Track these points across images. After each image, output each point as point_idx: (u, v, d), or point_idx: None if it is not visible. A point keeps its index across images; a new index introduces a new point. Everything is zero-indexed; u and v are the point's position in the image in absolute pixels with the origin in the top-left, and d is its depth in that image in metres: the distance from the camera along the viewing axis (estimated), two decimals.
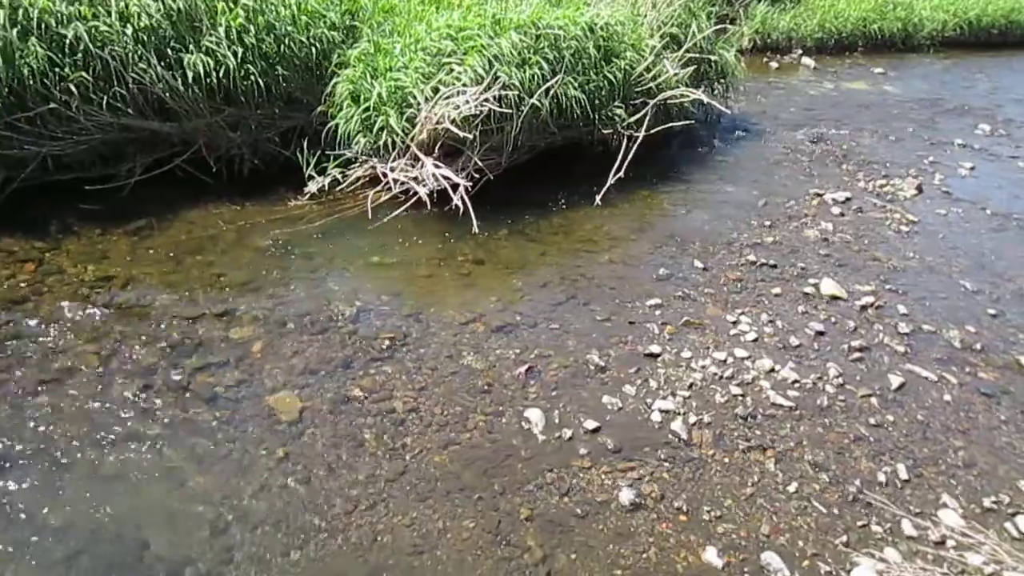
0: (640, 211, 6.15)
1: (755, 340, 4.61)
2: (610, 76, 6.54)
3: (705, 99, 7.22)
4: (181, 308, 4.48)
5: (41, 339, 4.17)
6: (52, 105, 5.15)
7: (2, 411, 3.71)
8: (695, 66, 7.36)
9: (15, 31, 5.02)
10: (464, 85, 5.64)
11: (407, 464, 3.58)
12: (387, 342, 4.34)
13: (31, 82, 5.07)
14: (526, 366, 4.22)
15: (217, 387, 3.93)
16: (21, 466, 3.43)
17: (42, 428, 3.63)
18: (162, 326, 4.32)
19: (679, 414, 3.98)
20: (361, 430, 3.73)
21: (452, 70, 5.76)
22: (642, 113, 6.67)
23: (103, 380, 3.94)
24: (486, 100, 5.56)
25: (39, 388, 3.87)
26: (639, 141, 6.49)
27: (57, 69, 5.15)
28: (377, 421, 3.80)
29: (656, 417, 3.95)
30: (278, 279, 4.83)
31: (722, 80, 8.07)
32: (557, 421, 3.88)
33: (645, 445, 3.78)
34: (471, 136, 5.61)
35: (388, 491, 3.43)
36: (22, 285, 4.58)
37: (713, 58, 7.77)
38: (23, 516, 3.22)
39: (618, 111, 6.63)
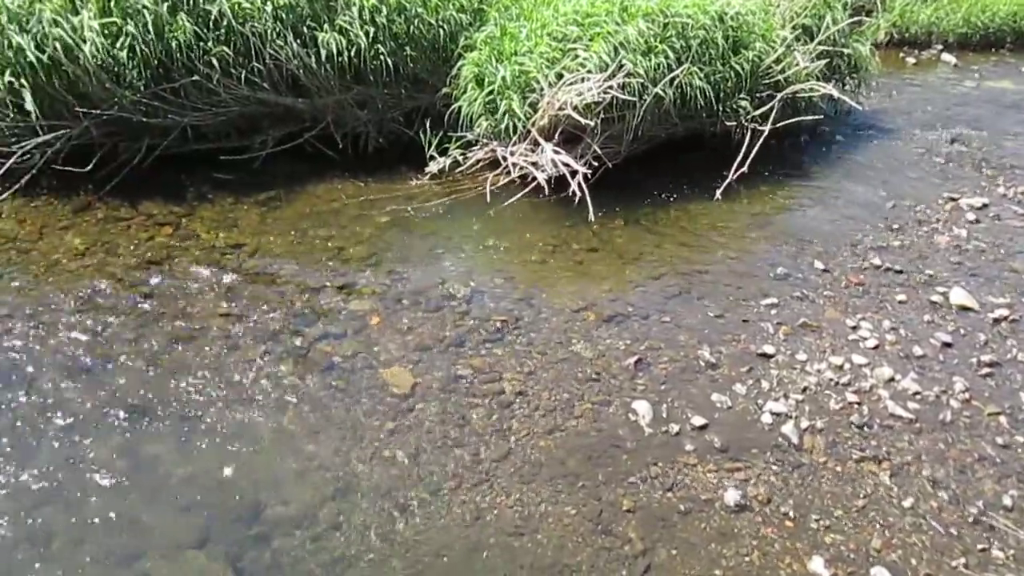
0: (760, 207, 6.00)
1: (875, 347, 4.44)
2: (737, 67, 6.38)
3: (835, 94, 6.96)
4: (304, 278, 4.65)
5: (175, 299, 4.42)
6: (195, 78, 5.41)
7: (138, 365, 3.96)
8: (827, 59, 7.11)
9: (165, 6, 5.29)
10: (588, 72, 5.62)
11: (512, 446, 3.63)
12: (498, 324, 4.39)
13: (178, 55, 5.34)
14: (636, 357, 4.20)
15: (335, 356, 4.08)
16: (153, 418, 3.66)
17: (172, 384, 3.85)
18: (286, 294, 4.50)
19: (791, 417, 3.88)
20: (469, 409, 3.81)
21: (577, 56, 5.74)
22: (768, 106, 6.49)
23: (230, 342, 4.14)
24: (610, 88, 5.53)
25: (172, 346, 4.10)
26: (764, 135, 6.32)
27: (201, 43, 5.40)
28: (485, 402, 3.86)
29: (767, 419, 3.87)
30: (396, 255, 4.95)
31: (854, 75, 7.75)
32: (664, 415, 3.85)
33: (753, 446, 3.71)
34: (592, 123, 5.59)
35: (493, 471, 3.49)
36: (160, 247, 4.86)
37: (846, 51, 7.48)
38: (155, 465, 3.43)
39: (743, 103, 6.47)
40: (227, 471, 3.43)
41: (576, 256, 5.13)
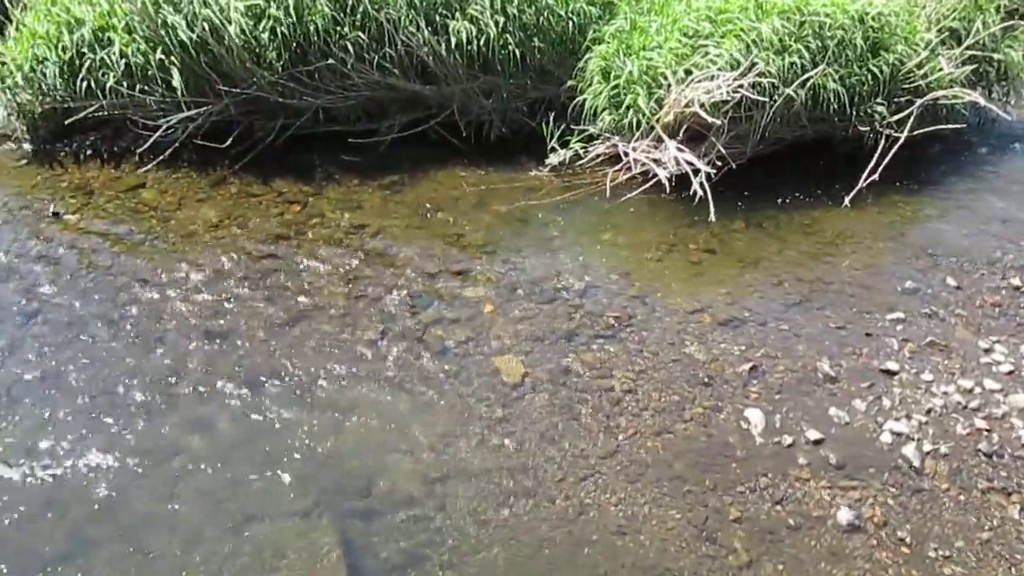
0: (891, 217, 5.74)
1: (1010, 372, 4.19)
2: (875, 70, 6.11)
3: (982, 101, 6.59)
4: (422, 262, 4.75)
5: (299, 275, 4.59)
6: (330, 61, 5.58)
7: (261, 335, 4.13)
8: (974, 65, 6.73)
9: None
10: (718, 69, 5.50)
11: (620, 444, 3.60)
12: (612, 320, 4.37)
13: (315, 39, 5.51)
14: (750, 364, 4.10)
15: (448, 341, 4.14)
16: (271, 387, 3.81)
17: (292, 356, 4.00)
18: (404, 277, 4.60)
19: (913, 439, 3.72)
20: (578, 403, 3.80)
21: (707, 53, 5.63)
22: (906, 112, 6.20)
23: (348, 320, 4.27)
24: (739, 87, 5.40)
25: (293, 318, 4.26)
26: (899, 142, 6.04)
27: (338, 28, 5.56)
28: (594, 397, 3.85)
29: (886, 439, 3.71)
30: (513, 245, 4.99)
31: (1003, 82, 7.32)
32: (778, 426, 3.75)
33: (871, 466, 3.57)
34: (719, 122, 5.48)
35: (598, 468, 3.48)
36: (288, 224, 5.05)
37: (996, 57, 7.07)
38: (270, 433, 3.58)
39: (879, 108, 6.19)
40: (339, 444, 3.55)
41: (693, 256, 5.04)
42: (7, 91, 5.68)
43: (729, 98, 5.41)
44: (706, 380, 4.00)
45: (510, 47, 5.90)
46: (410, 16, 5.69)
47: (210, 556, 3.04)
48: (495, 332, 4.22)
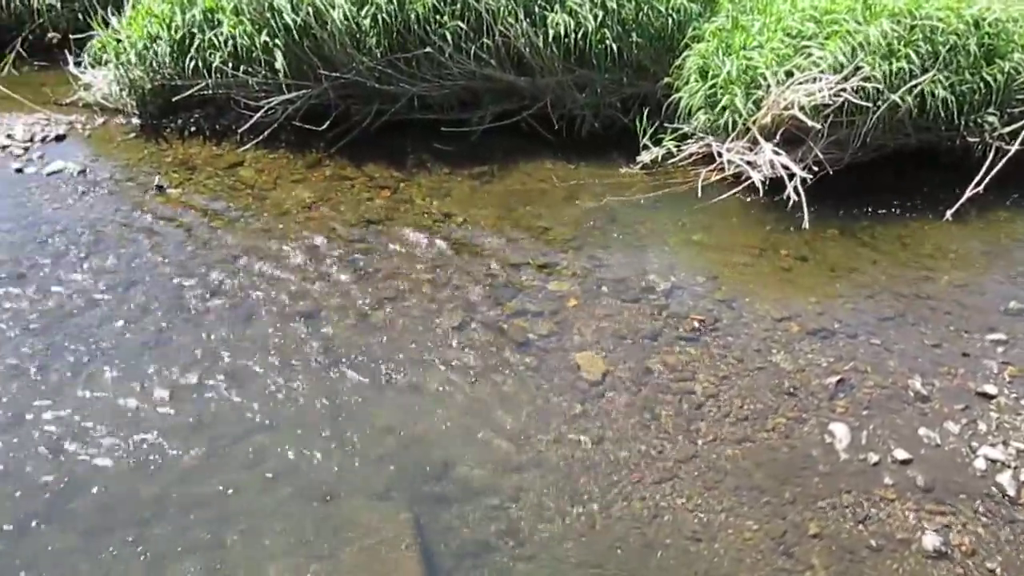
0: (996, 234, 5.50)
1: None
2: (988, 78, 5.86)
3: None
4: (508, 253, 4.76)
5: (386, 259, 4.67)
6: (428, 50, 5.64)
7: (347, 317, 4.22)
8: None
9: None
10: (821, 72, 5.35)
11: (698, 449, 3.55)
12: (696, 323, 4.31)
13: (415, 26, 5.58)
14: (838, 377, 3.99)
15: (530, 334, 4.15)
16: (355, 368, 3.89)
17: (376, 338, 4.08)
18: (490, 267, 4.63)
19: (1009, 467, 3.56)
20: (658, 405, 3.77)
21: (810, 54, 5.48)
22: (1020, 124, 5.93)
23: (433, 306, 4.32)
24: (842, 90, 5.24)
25: (379, 301, 4.34)
26: (1008, 155, 5.78)
27: (438, 16, 5.62)
28: (675, 400, 3.81)
29: (980, 464, 3.56)
30: (599, 241, 4.96)
31: None
32: (864, 442, 3.64)
33: (961, 491, 3.43)
34: (818, 126, 5.33)
35: (675, 471, 3.44)
36: (378, 209, 5.14)
37: None
38: (352, 413, 3.65)
39: (990, 118, 5.93)
40: (418, 429, 3.60)
41: (784, 263, 4.93)
42: (121, 67, 5.92)
43: (831, 102, 5.26)
44: (791, 390, 3.91)
45: (607, 41, 5.85)
46: (509, 7, 5.71)
47: (289, 528, 3.12)
48: (577, 328, 4.21)
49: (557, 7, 5.78)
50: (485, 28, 5.68)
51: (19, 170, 5.53)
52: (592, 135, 6.16)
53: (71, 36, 6.74)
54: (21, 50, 6.99)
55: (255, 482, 3.31)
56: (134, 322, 4.12)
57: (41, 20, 7.14)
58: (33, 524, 3.08)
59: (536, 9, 5.81)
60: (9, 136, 5.90)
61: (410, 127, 5.94)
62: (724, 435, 3.63)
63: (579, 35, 5.76)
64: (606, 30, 5.85)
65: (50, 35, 7.15)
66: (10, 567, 2.93)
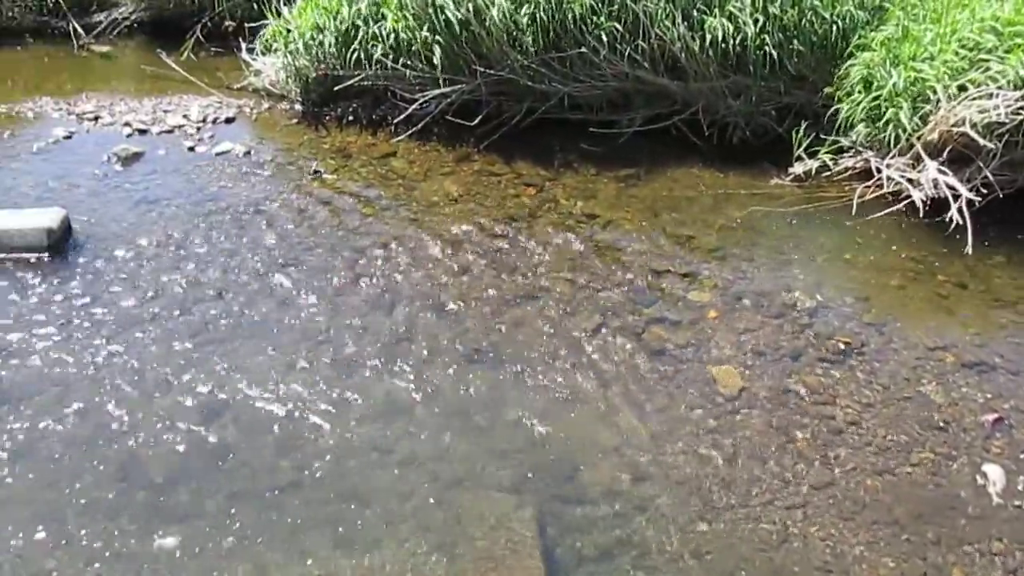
0: None
1: None
2: None
3: None
4: (650, 259, 4.72)
5: (528, 257, 4.71)
6: (582, 50, 5.66)
7: (485, 311, 4.29)
8: None
9: None
10: (999, 87, 5.02)
11: (835, 477, 3.42)
12: (841, 345, 4.14)
13: (571, 26, 5.61)
14: (995, 415, 3.75)
15: (667, 342, 4.11)
16: (489, 363, 3.95)
17: (512, 335, 4.13)
18: (630, 272, 4.60)
19: None
20: (795, 427, 3.65)
21: (988, 68, 5.15)
22: None
23: (571, 307, 4.34)
24: (1022, 108, 4.90)
25: (518, 298, 4.39)
26: None
27: (594, 17, 5.62)
28: (813, 423, 3.68)
29: None
30: (744, 253, 4.85)
31: None
32: (1021, 488, 3.41)
33: None
34: (990, 145, 5.01)
35: (809, 498, 3.33)
36: (522, 206, 5.20)
37: None
38: (483, 407, 3.71)
39: None
40: (547, 428, 3.62)
41: (941, 288, 4.66)
42: (289, 56, 6.23)
43: (1007, 120, 4.93)
44: (941, 425, 3.70)
45: (766, 48, 5.70)
46: (667, 10, 5.65)
47: (415, 512, 3.20)
48: (716, 340, 4.13)
49: (716, 11, 5.68)
50: (641, 30, 5.64)
51: (191, 148, 5.92)
52: (743, 143, 6.02)
53: (245, 24, 7.16)
54: (200, 36, 7.46)
55: (388, 464, 3.42)
56: (284, 300, 4.34)
57: (219, 9, 7.61)
58: (181, 482, 3.30)
59: (694, 13, 5.72)
60: (185, 116, 6.33)
61: (559, 126, 5.98)
62: (864, 465, 3.48)
63: (737, 40, 5.63)
64: (766, 36, 5.70)
65: (226, 23, 7.61)
66: (157, 519, 3.14)
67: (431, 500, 3.27)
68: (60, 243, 4.72)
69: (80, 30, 7.76)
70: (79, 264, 4.57)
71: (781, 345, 4.12)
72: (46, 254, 4.63)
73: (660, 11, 5.61)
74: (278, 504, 3.23)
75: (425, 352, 4.00)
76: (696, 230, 5.03)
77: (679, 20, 5.63)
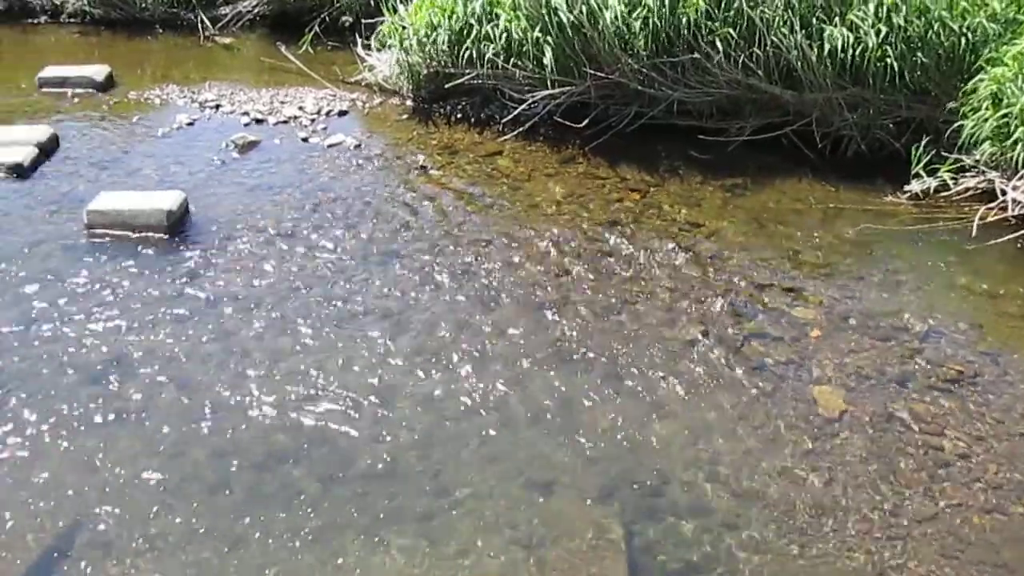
0: None
1: None
2: None
3: None
4: (753, 272, 4.63)
5: (628, 263, 4.69)
6: (695, 56, 5.58)
7: (584, 314, 4.28)
8: None
9: None
10: None
11: (940, 511, 3.28)
12: (952, 373, 3.97)
13: (684, 31, 5.54)
14: None
15: (767, 358, 4.02)
16: (585, 367, 3.95)
17: (609, 340, 4.11)
18: (733, 284, 4.52)
19: None
20: (899, 455, 3.51)
21: None
22: None
23: (669, 315, 4.29)
24: None
25: (617, 304, 4.37)
26: None
27: (709, 23, 5.54)
28: (918, 453, 3.53)
29: None
30: (852, 271, 4.69)
31: None
32: None
33: None
34: None
35: (910, 530, 3.20)
36: (625, 211, 5.18)
37: None
38: (577, 411, 3.71)
39: None
40: (640, 437, 3.59)
41: None
42: (403, 52, 6.35)
43: None
44: None
45: (888, 60, 5.50)
46: (785, 17, 5.52)
47: (503, 511, 3.23)
48: (819, 360, 4.01)
49: (837, 20, 5.51)
50: (757, 37, 5.52)
51: (304, 139, 6.11)
52: (857, 157, 5.82)
53: (362, 20, 7.34)
54: (318, 31, 7.68)
55: (478, 462, 3.46)
56: (386, 290, 4.44)
57: (338, 4, 7.81)
58: (277, 462, 3.42)
59: (813, 21, 5.57)
60: (300, 108, 6.53)
61: (666, 132, 5.91)
62: (972, 501, 3.32)
63: (857, 51, 5.45)
64: (888, 48, 5.50)
65: (344, 18, 7.81)
66: (251, 497, 3.27)
67: (518, 499, 3.29)
68: (178, 224, 4.95)
69: (207, 22, 8.11)
70: (195, 245, 4.79)
71: (887, 369, 3.98)
72: (165, 234, 4.86)
73: (778, 18, 5.48)
74: (367, 491, 3.31)
75: (521, 351, 4.03)
76: (803, 244, 4.90)
77: (797, 28, 5.49)
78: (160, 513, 3.18)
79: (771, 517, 3.24)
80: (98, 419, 3.59)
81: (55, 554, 3.03)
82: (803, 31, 5.52)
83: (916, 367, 4.00)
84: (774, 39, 5.50)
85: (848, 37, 5.45)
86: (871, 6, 5.47)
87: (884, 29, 5.47)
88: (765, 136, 5.84)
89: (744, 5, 5.49)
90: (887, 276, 4.68)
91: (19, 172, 5.55)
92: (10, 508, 3.18)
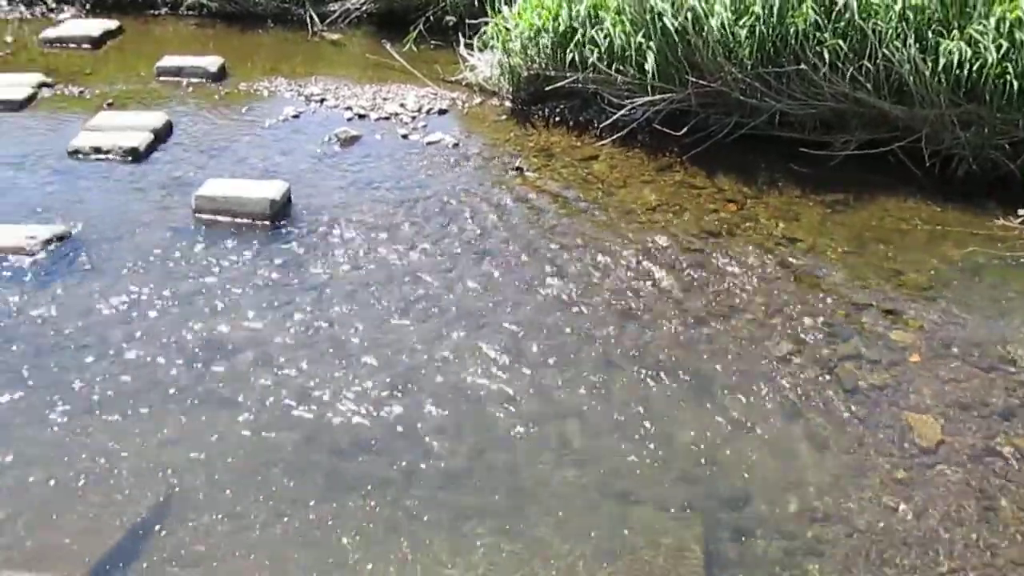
0: None
1: None
2: None
3: None
4: (850, 291, 4.50)
5: (720, 275, 4.62)
6: (801, 67, 5.45)
7: (672, 324, 4.24)
8: None
9: None
10: None
11: None
12: None
13: (791, 41, 5.42)
14: None
15: (861, 381, 3.90)
16: (672, 378, 3.91)
17: (697, 352, 4.07)
18: (829, 302, 4.41)
19: None
20: (998, 492, 3.37)
21: None
22: None
23: (761, 331, 4.22)
24: None
25: (707, 316, 4.32)
26: None
27: (818, 34, 5.40)
28: (1020, 492, 3.38)
29: None
30: (957, 296, 4.51)
31: None
32: None
33: None
34: None
35: (1007, 572, 3.07)
36: (721, 222, 5.10)
37: None
38: (662, 423, 3.68)
39: None
40: (724, 452, 3.54)
41: None
42: (504, 53, 6.41)
43: None
44: None
45: (1008, 77, 5.26)
46: (899, 29, 5.33)
47: (581, 516, 3.24)
48: (916, 386, 3.88)
49: (955, 34, 5.30)
50: (868, 50, 5.36)
51: (404, 136, 6.22)
52: (968, 177, 5.58)
53: (466, 20, 7.41)
54: (423, 30, 7.80)
55: (558, 465, 3.47)
56: (477, 289, 4.48)
57: (443, 3, 7.92)
58: (363, 451, 3.51)
59: (929, 34, 5.37)
60: (402, 105, 6.65)
61: (766, 143, 5.79)
62: None
63: (975, 67, 5.24)
64: (1008, 64, 5.25)
65: (448, 18, 7.90)
66: (336, 483, 3.36)
67: (597, 506, 3.29)
68: (281, 214, 5.11)
69: (315, 18, 8.32)
70: (295, 235, 4.94)
71: (990, 401, 3.81)
72: (268, 222, 5.03)
73: (891, 31, 5.31)
74: (450, 486, 3.36)
75: (608, 359, 4.02)
76: (905, 266, 4.73)
77: (911, 41, 5.30)
78: (244, 493, 3.30)
79: (857, 546, 3.16)
80: (190, 398, 3.75)
81: (144, 525, 3.17)
82: (917, 44, 5.33)
83: (1021, 401, 3.82)
84: (886, 52, 5.33)
85: (966, 52, 5.24)
86: (992, 20, 5.24)
87: (1006, 44, 5.24)
88: (870, 152, 5.66)
89: (856, 16, 5.33)
90: (994, 304, 4.48)
91: (135, 156, 5.81)
92: (103, 479, 3.35)
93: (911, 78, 5.36)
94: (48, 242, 4.74)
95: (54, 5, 8.99)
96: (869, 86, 5.47)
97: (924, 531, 3.20)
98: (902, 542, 3.16)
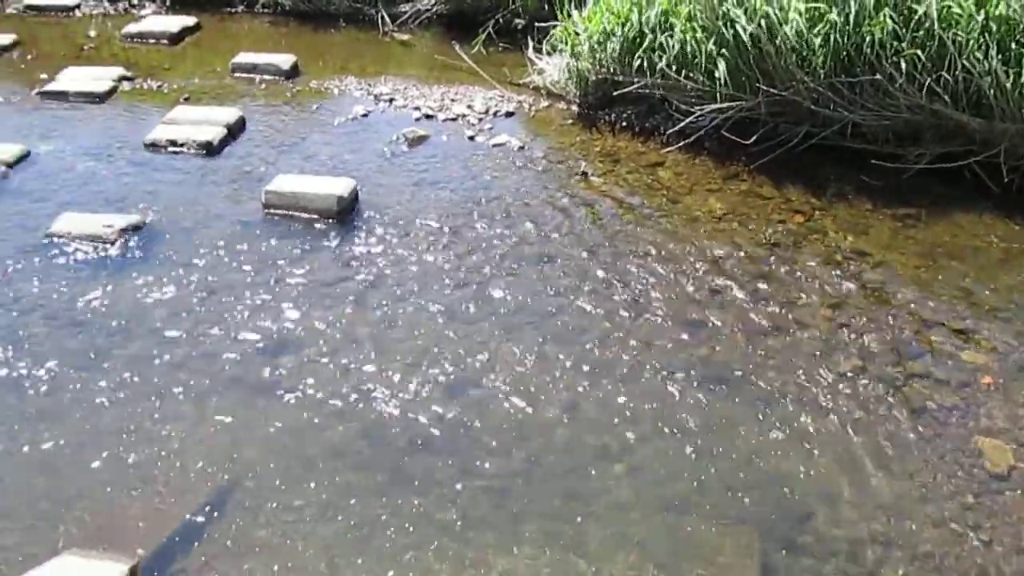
0: None
1: None
2: None
3: None
4: (920, 309, 4.39)
5: (786, 287, 4.55)
6: (876, 76, 5.33)
7: (734, 334, 4.19)
8: None
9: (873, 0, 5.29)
10: None
11: None
12: None
13: (867, 50, 5.31)
14: None
15: (930, 401, 3.81)
16: (735, 390, 3.87)
17: (760, 366, 4.01)
18: (897, 319, 4.31)
19: None
20: None
21: None
22: None
23: (825, 346, 4.14)
24: None
25: (771, 328, 4.25)
26: None
27: (895, 43, 5.28)
28: None
29: None
30: None
31: None
32: None
33: None
34: None
35: None
36: (787, 233, 5.02)
37: None
38: (725, 434, 3.64)
39: None
40: (784, 467, 3.49)
41: None
42: (573, 57, 6.41)
43: None
44: None
45: None
46: (980, 40, 5.19)
47: (633, 525, 3.23)
48: (988, 409, 3.77)
49: None
50: (947, 61, 5.22)
51: (471, 138, 6.26)
52: None
53: (535, 23, 7.44)
54: (491, 32, 7.85)
55: (614, 474, 3.46)
56: (538, 291, 4.49)
57: (512, 6, 7.95)
58: (418, 451, 3.54)
59: (1012, 46, 5.21)
60: (469, 107, 6.70)
61: (836, 154, 5.68)
62: None
63: None
64: None
65: (516, 21, 7.94)
66: (391, 483, 3.40)
67: (652, 517, 3.27)
68: (347, 211, 5.19)
69: (387, 18, 8.42)
70: (361, 232, 5.01)
71: None
72: (334, 219, 5.11)
73: (972, 41, 5.16)
74: (502, 490, 3.37)
75: (668, 369, 3.99)
76: (978, 284, 4.59)
77: (993, 52, 5.15)
78: (304, 485, 3.37)
79: (922, 570, 3.08)
80: (254, 392, 3.83)
81: (207, 512, 3.26)
82: (999, 56, 5.17)
83: None
84: (966, 63, 5.18)
85: None
86: None
87: None
88: (945, 165, 5.51)
89: (936, 26, 5.20)
90: None
91: (208, 150, 5.96)
92: (169, 465, 3.45)
93: (992, 91, 5.21)
94: (124, 231, 4.90)
95: (136, 1, 9.27)
96: (947, 98, 5.33)
97: (993, 560, 3.11)
98: (970, 569, 3.08)
